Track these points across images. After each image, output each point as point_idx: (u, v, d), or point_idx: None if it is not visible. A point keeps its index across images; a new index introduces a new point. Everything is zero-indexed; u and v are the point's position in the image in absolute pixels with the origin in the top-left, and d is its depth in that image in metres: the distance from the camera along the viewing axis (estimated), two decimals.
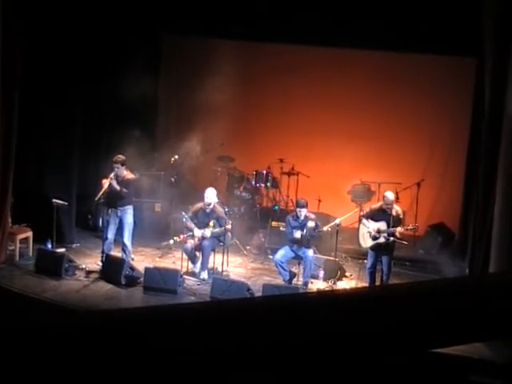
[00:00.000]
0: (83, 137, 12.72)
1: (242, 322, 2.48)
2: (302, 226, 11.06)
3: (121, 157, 11.24)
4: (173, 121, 14.88)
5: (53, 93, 11.95)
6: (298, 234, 11.00)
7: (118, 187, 11.06)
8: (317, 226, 11.07)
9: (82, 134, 12.65)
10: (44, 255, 11.15)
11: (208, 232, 11.18)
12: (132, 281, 10.69)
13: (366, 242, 10.75)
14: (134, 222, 11.50)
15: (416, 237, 12.74)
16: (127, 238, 11.31)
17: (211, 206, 11.35)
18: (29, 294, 9.95)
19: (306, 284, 10.96)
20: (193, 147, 13.02)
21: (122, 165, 11.16)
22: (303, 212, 11.10)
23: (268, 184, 14.32)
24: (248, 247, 12.86)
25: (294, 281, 11.16)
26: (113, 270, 10.78)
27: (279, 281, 11.04)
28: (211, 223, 11.22)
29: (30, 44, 11.25)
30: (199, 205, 11.49)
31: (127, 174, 11.32)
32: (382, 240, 10.56)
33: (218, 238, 11.37)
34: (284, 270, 11.01)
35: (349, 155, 13.82)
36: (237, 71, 12.63)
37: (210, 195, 11.38)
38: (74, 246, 12.42)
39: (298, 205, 11.24)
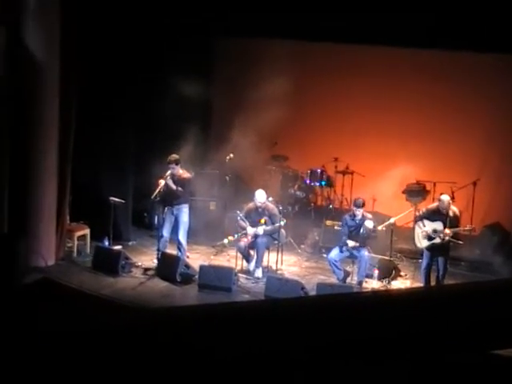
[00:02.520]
0: (138, 136, 12.85)
1: (297, 322, 2.49)
2: (358, 226, 10.99)
3: (174, 156, 11.29)
4: (227, 120, 14.87)
5: (109, 93, 12.10)
6: (351, 243, 10.94)
7: (174, 186, 11.15)
8: (374, 226, 10.99)
9: (137, 133, 12.79)
10: (101, 252, 11.33)
11: (260, 230, 11.22)
12: (187, 278, 10.78)
13: (422, 243, 10.65)
14: (189, 221, 11.59)
15: (472, 237, 12.56)
16: (182, 236, 11.38)
17: (263, 205, 11.40)
18: (86, 291, 10.11)
19: (360, 283, 10.90)
20: (247, 146, 13.04)
21: (177, 164, 11.22)
22: (360, 212, 11.03)
23: (323, 183, 14.30)
24: (302, 246, 12.86)
25: (348, 280, 11.09)
26: (168, 267, 10.88)
27: (333, 280, 11.00)
28: (263, 220, 11.25)
29: (85, 46, 11.42)
30: (252, 204, 11.54)
31: (183, 173, 11.40)
32: (437, 240, 10.46)
33: (272, 236, 11.40)
34: (338, 268, 10.96)
35: (403, 155, 13.69)
36: (289, 71, 12.56)
37: (260, 197, 11.42)
38: (130, 243, 12.59)
39: (355, 204, 11.13)
